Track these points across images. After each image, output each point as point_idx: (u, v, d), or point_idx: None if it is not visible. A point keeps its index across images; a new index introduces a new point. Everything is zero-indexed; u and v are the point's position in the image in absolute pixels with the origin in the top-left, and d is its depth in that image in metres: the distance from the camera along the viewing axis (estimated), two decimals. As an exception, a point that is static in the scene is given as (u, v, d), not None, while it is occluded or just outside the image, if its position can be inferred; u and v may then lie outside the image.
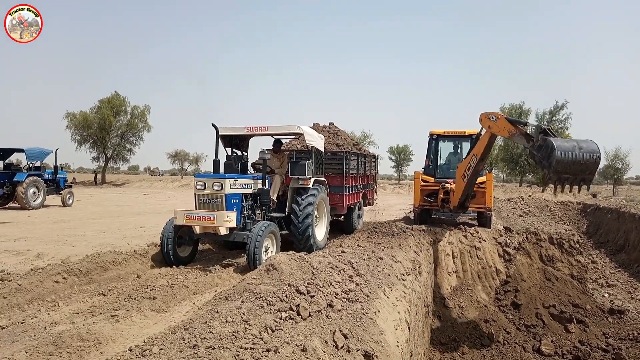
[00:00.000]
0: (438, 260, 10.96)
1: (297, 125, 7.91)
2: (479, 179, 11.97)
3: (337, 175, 10.30)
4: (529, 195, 29.49)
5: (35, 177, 16.56)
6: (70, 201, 18.28)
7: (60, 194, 18.03)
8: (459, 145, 13.62)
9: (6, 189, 16.31)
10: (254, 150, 13.05)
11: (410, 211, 18.03)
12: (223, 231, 6.43)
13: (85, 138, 43.78)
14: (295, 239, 7.93)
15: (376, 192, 18.86)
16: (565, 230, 12.52)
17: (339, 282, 5.13)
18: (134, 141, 46.33)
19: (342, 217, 11.35)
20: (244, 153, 8.89)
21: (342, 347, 3.98)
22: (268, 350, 3.50)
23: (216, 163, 7.38)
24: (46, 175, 17.60)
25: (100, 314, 4.43)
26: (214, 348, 3.49)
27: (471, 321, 10.05)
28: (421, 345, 7.58)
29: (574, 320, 9.40)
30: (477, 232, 11.50)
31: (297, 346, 3.68)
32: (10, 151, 17.29)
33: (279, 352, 3.50)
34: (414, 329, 6.49)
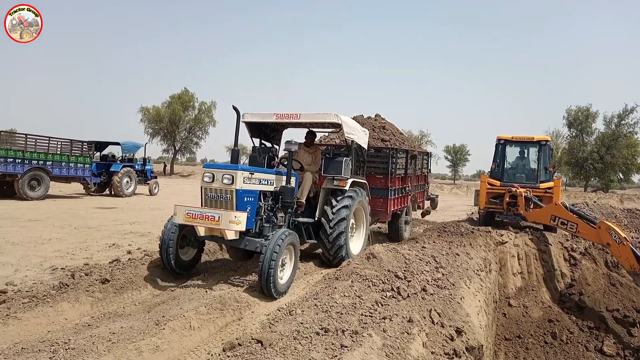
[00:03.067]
0: (503, 261, 11.48)
1: (335, 113, 6.66)
2: (547, 184, 12.41)
3: (381, 175, 9.05)
4: (594, 201, 28.85)
5: (128, 168, 18.50)
6: (156, 190, 20.16)
7: (148, 183, 19.94)
8: (526, 150, 13.96)
9: (103, 178, 18.30)
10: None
11: (472, 213, 18.55)
12: (230, 235, 5.17)
13: (156, 131, 46.73)
14: (324, 248, 6.72)
15: (427, 194, 19.05)
16: (632, 237, 12.66)
17: (427, 272, 6.02)
18: (201, 135, 48.98)
19: (386, 224, 10.27)
20: (275, 146, 7.73)
21: (437, 323, 4.88)
22: (384, 318, 4.46)
23: (235, 153, 5.95)
24: (137, 167, 19.52)
25: (239, 284, 5.55)
26: (342, 314, 4.49)
27: (535, 320, 10.56)
28: (490, 337, 8.30)
29: (637, 325, 9.74)
30: (544, 236, 11.90)
31: (404, 318, 4.61)
32: (106, 144, 19.32)
33: (392, 320, 4.45)
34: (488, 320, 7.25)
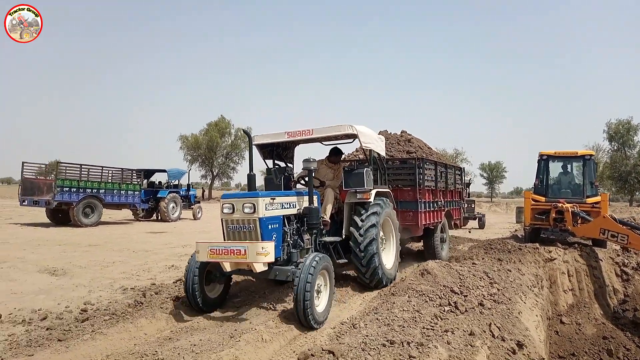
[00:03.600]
0: (553, 278, 11.30)
1: (349, 124, 6.31)
2: (594, 199, 12.23)
3: (409, 187, 8.60)
4: (642, 216, 27.90)
5: (174, 194, 19.22)
6: (199, 215, 20.81)
7: (192, 208, 20.62)
8: (569, 165, 13.81)
9: (150, 204, 19.05)
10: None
11: (516, 230, 18.30)
12: (259, 268, 4.87)
13: (195, 157, 48.16)
14: (359, 272, 6.47)
15: (465, 211, 18.77)
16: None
17: (482, 287, 6.10)
18: (237, 160, 50.16)
19: (421, 241, 9.93)
20: (289, 165, 7.49)
21: (497, 337, 4.95)
22: (446, 331, 4.59)
23: (251, 178, 5.54)
24: (181, 192, 20.25)
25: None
26: (404, 327, 4.65)
27: (589, 337, 10.31)
28: (546, 353, 8.19)
29: (700, 341, 9.38)
30: (593, 252, 11.68)
31: (465, 331, 4.72)
32: (153, 171, 20.16)
33: (454, 333, 4.57)
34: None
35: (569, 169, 13.70)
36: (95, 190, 15.96)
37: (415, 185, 8.47)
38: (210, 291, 5.56)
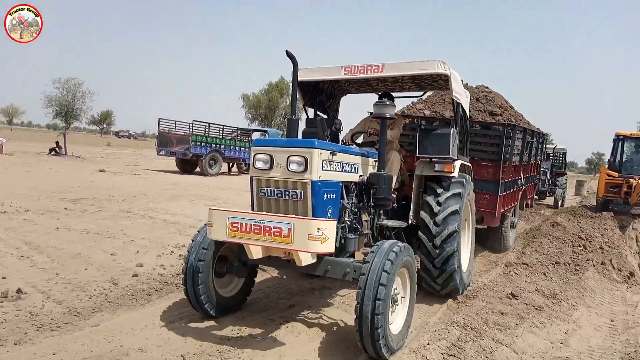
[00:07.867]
0: (624, 242, 13.40)
1: (441, 60, 4.45)
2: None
3: (490, 162, 6.73)
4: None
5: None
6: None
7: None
8: (642, 145, 15.58)
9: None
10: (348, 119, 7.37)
11: (580, 201, 20.26)
12: (306, 259, 3.18)
13: (254, 116, 50.87)
14: (427, 274, 4.71)
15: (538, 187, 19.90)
16: None
17: (597, 237, 8.37)
18: (295, 121, 52.57)
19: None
20: (335, 118, 5.62)
21: (616, 268, 7.24)
22: (588, 260, 6.92)
23: (292, 124, 3.77)
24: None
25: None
26: (558, 255, 6.97)
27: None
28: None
29: None
30: (659, 222, 13.60)
31: (597, 262, 7.03)
32: (254, 130, 22.86)
33: (592, 261, 6.89)
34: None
35: (640, 148, 15.50)
36: (218, 145, 18.70)
37: (499, 160, 6.62)
38: (224, 287, 3.99)
